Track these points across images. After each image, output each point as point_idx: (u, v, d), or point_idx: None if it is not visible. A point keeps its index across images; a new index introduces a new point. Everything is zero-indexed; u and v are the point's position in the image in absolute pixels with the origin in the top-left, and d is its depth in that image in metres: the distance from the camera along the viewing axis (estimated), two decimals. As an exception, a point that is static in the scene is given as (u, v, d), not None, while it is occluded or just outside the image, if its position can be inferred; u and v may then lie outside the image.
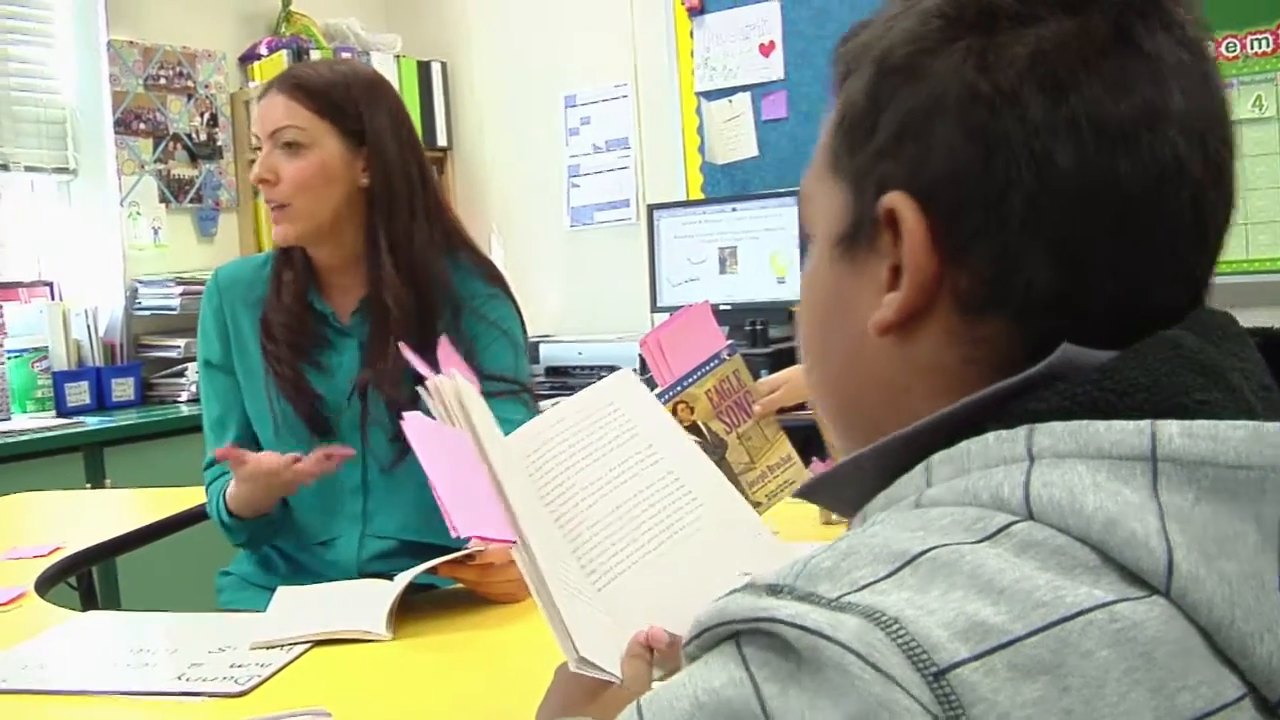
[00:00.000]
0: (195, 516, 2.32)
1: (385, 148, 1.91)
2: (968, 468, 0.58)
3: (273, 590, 1.78)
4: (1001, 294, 0.61)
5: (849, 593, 0.52)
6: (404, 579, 1.53)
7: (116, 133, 4.21)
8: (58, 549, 2.05)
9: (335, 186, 1.89)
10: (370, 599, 1.55)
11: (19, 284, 4.08)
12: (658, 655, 0.97)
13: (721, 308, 3.69)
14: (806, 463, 2.01)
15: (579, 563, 0.93)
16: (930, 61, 0.62)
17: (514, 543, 0.87)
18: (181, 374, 4.00)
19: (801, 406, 2.12)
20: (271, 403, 1.96)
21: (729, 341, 1.87)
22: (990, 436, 0.58)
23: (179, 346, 4.03)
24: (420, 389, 0.91)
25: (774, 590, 0.54)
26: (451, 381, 0.89)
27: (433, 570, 1.56)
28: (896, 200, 0.62)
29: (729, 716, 0.52)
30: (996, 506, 0.55)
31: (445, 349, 0.95)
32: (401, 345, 1.04)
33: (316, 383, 1.95)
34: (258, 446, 2.02)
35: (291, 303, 1.96)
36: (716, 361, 1.94)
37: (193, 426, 3.60)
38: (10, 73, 4.10)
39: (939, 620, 0.50)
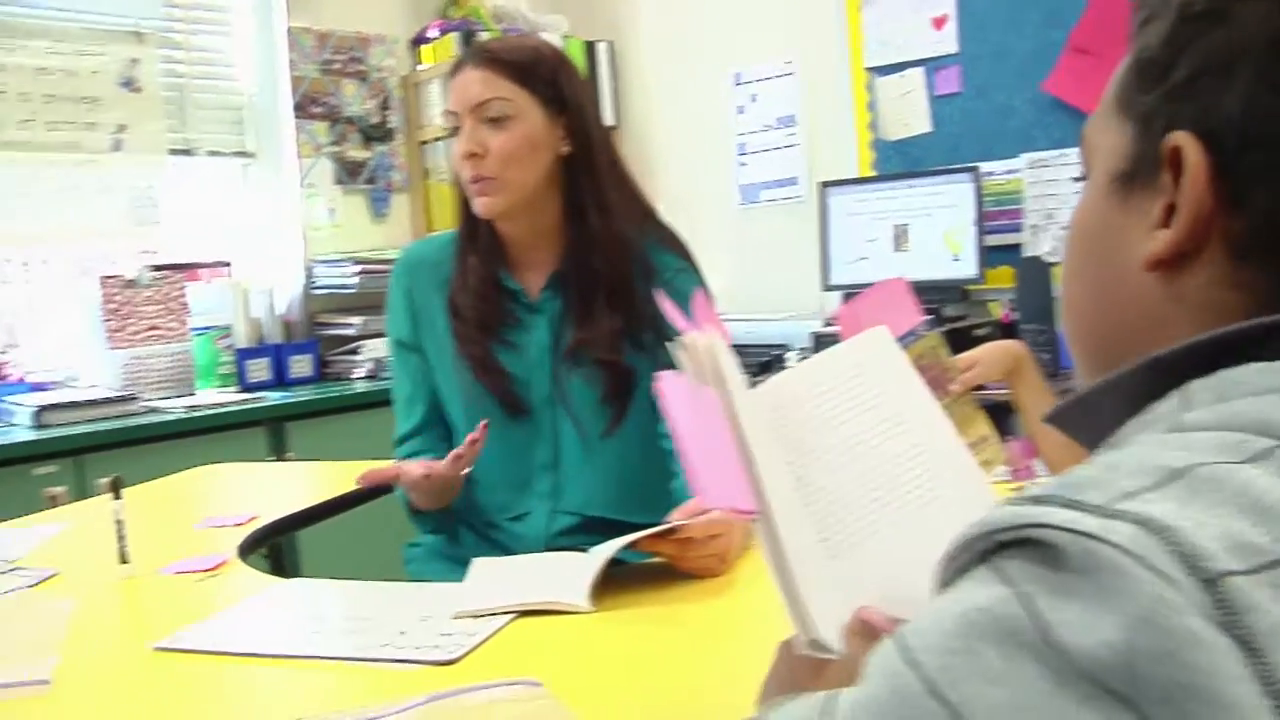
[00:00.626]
0: (381, 489, 2.33)
1: (584, 112, 1.91)
2: (1229, 395, 0.59)
3: (461, 562, 1.79)
4: (1272, 240, 0.62)
5: (1117, 500, 0.52)
6: (604, 552, 1.51)
7: (294, 116, 4.30)
8: (254, 518, 2.09)
9: (541, 155, 1.89)
10: (568, 571, 1.53)
11: (200, 265, 4.20)
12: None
13: (894, 286, 3.62)
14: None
15: (815, 531, 0.89)
16: (1236, 8, 0.62)
17: (756, 514, 0.84)
18: (356, 351, 4.07)
19: (986, 385, 2.06)
20: (463, 381, 1.97)
21: (927, 317, 1.81)
22: (1253, 367, 0.59)
23: (355, 324, 4.10)
24: (672, 345, 0.88)
25: (1038, 500, 0.54)
26: (706, 338, 0.86)
27: (631, 544, 1.54)
28: (1182, 139, 0.63)
29: (1003, 633, 0.51)
30: (1259, 430, 0.56)
31: (701, 303, 0.91)
32: (657, 296, 1.01)
33: (507, 361, 1.95)
34: (445, 425, 2.04)
35: (478, 283, 1.96)
36: (913, 337, 1.88)
37: (369, 402, 3.68)
38: (193, 61, 4.22)
39: (1209, 533, 0.50)
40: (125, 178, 4.03)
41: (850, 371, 0.93)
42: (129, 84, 4.02)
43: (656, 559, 1.60)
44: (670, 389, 0.81)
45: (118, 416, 3.37)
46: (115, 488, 1.74)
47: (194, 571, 1.73)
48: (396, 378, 2.09)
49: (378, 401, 3.67)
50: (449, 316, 1.98)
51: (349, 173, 4.47)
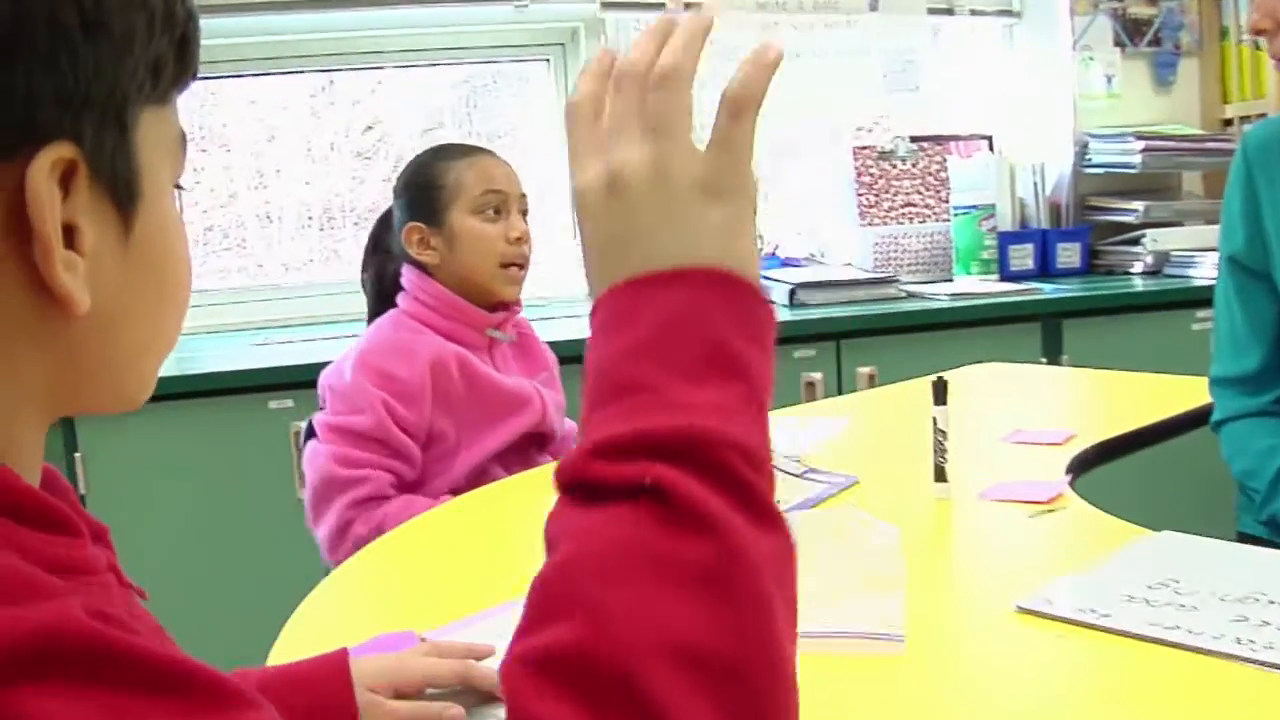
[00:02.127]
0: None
1: None
2: None
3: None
4: None
5: None
6: None
7: (1073, -33, 3.93)
8: (1071, 436, 1.80)
9: None
10: None
11: (956, 137, 3.97)
12: None
13: None
14: None
15: None
16: None
17: None
18: (1135, 242, 3.65)
19: None
20: None
21: None
22: None
23: (1134, 210, 3.68)
24: None
25: None
26: None
27: None
28: None
29: None
30: None
31: None
32: None
33: None
34: None
35: None
36: None
37: (1149, 303, 3.28)
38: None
39: None
40: (882, 40, 3.87)
41: None
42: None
43: None
44: None
45: (874, 300, 3.23)
46: (939, 390, 1.51)
47: (1025, 501, 1.47)
48: (1225, 303, 1.73)
49: (1160, 304, 3.28)
50: None
51: (1130, 33, 4.01)
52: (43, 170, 0.52)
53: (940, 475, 1.51)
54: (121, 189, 0.57)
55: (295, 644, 1.16)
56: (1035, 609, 1.11)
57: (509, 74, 3.85)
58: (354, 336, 2.05)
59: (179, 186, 0.64)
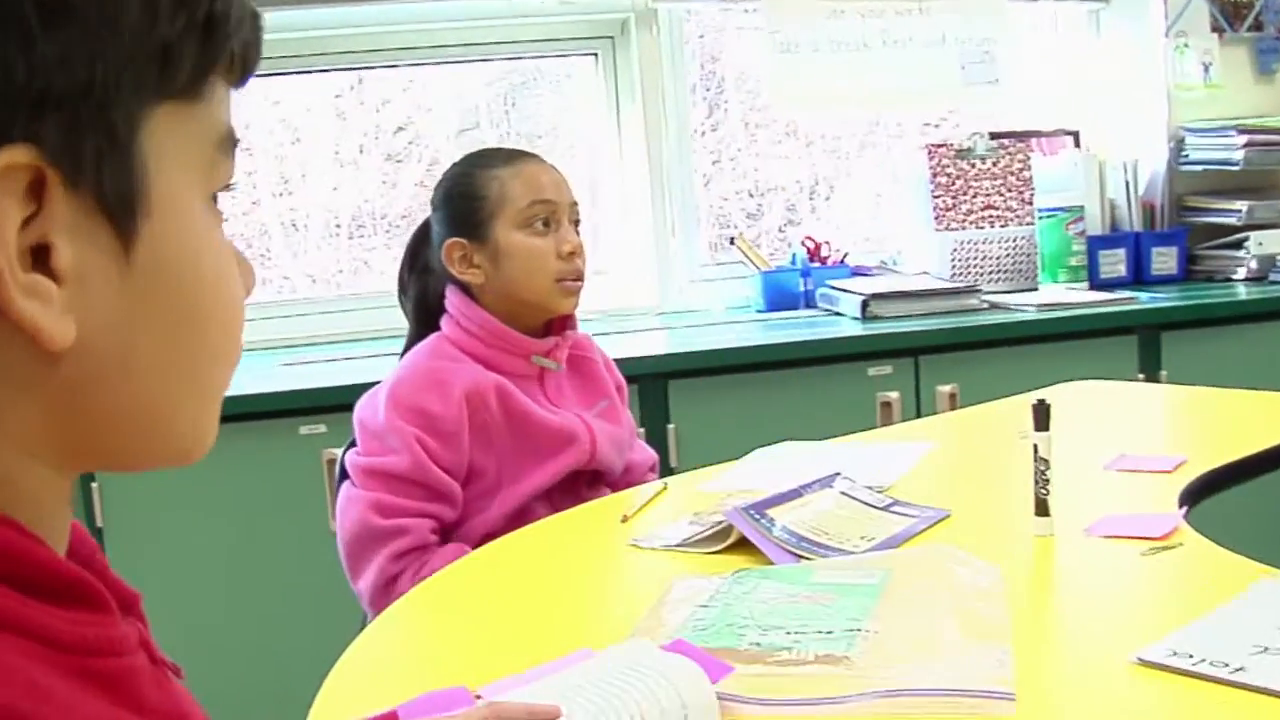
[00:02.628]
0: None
1: None
2: None
3: None
4: None
5: None
6: None
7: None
8: (1182, 462, 1.75)
9: None
10: None
11: (1039, 133, 3.92)
12: None
13: None
14: None
15: None
16: None
17: None
18: (1238, 245, 3.58)
19: None
20: None
21: None
22: None
23: (1236, 211, 3.61)
24: None
25: None
26: None
27: None
28: None
29: None
30: None
31: None
32: None
33: None
34: None
35: None
36: None
37: (1252, 313, 3.22)
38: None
39: None
40: (957, 28, 3.82)
41: None
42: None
43: None
44: None
45: (954, 312, 3.18)
46: (1041, 414, 1.47)
47: (1137, 538, 1.43)
48: None
49: (1266, 313, 3.22)
50: None
51: (1229, 17, 3.95)
52: None
53: (1042, 509, 1.47)
54: (114, 201, 0.51)
55: (338, 701, 1.14)
56: (1158, 661, 1.07)
57: (549, 70, 3.83)
58: (389, 355, 2.02)
59: (228, 186, 0.59)
